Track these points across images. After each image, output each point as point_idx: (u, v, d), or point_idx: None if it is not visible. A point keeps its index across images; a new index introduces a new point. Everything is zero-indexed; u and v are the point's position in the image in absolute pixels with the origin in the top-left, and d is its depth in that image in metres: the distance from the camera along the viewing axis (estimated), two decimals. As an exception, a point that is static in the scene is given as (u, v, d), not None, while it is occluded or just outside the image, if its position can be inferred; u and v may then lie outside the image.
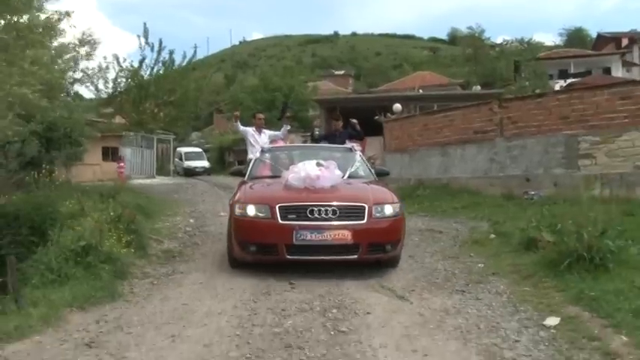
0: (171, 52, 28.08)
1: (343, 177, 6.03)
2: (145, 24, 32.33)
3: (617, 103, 10.02)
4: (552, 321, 3.42)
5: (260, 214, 5.38)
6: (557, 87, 30.60)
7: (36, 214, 7.04)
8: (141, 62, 27.63)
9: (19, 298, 3.69)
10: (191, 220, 9.71)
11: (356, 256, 5.26)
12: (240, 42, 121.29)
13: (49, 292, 4.10)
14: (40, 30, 6.26)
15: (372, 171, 6.96)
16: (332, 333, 3.43)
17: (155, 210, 10.61)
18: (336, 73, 68.29)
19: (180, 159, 31.47)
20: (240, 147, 29.19)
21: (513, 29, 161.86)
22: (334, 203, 5.31)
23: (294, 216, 5.26)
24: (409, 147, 14.87)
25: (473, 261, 5.68)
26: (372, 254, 5.37)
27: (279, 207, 5.28)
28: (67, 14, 7.16)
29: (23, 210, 7.16)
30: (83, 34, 10.07)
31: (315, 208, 5.24)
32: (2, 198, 8.80)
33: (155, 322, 3.67)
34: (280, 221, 5.24)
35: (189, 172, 29.47)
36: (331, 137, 9.76)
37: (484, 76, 51.79)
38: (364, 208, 5.32)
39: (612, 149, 9.85)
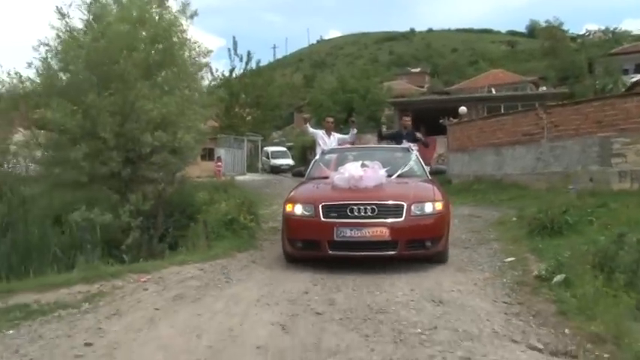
0: (257, 62, 31.62)
1: (391, 176, 6.34)
2: (234, 37, 36.39)
3: None
4: (510, 259, 5.75)
5: (306, 213, 5.70)
6: (632, 82, 30.62)
7: (182, 202, 10.02)
8: (231, 72, 31.47)
9: (209, 242, 6.60)
10: (284, 208, 12.28)
11: (394, 252, 5.44)
12: (318, 41, 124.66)
13: (215, 244, 6.96)
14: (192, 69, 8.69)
15: (426, 170, 7.21)
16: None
17: (256, 201, 13.38)
18: (412, 70, 68.67)
19: (267, 157, 34.54)
20: (320, 146, 32.03)
21: (601, 16, 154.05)
22: (373, 202, 5.55)
23: (335, 214, 5.54)
24: (468, 147, 16.76)
25: (488, 234, 7.89)
26: (411, 250, 5.54)
27: (322, 206, 5.59)
28: (208, 52, 9.46)
29: (174, 201, 10.14)
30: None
31: (355, 207, 5.50)
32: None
33: (275, 259, 6.28)
34: (323, 219, 5.53)
35: (276, 170, 32.25)
36: (398, 136, 10.12)
37: (562, 70, 50.43)
38: (402, 206, 5.51)
39: None
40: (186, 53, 8.33)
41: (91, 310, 3.85)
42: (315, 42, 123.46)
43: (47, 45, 7.01)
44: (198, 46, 8.37)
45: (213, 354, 3.00)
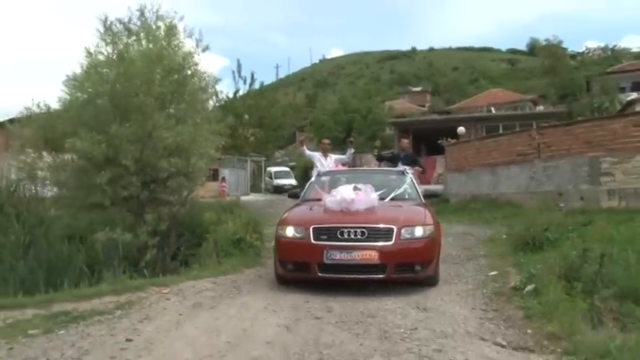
0: (261, 84, 32.57)
1: (384, 199, 6.43)
2: (238, 60, 37.56)
3: (631, 129, 12.00)
4: (493, 273, 6.37)
5: (297, 235, 5.71)
6: (627, 100, 31.23)
7: (192, 223, 10.63)
8: (235, 94, 32.40)
9: (219, 259, 7.26)
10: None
11: (383, 276, 5.43)
12: (320, 60, 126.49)
13: (224, 261, 7.60)
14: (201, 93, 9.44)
15: (420, 193, 7.27)
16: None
17: (260, 220, 14.01)
18: (414, 89, 69.66)
19: (271, 177, 35.28)
20: (322, 167, 32.69)
21: (601, 33, 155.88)
22: (363, 225, 5.55)
23: (325, 237, 5.54)
24: (465, 167, 17.33)
25: (478, 251, 8.50)
26: (400, 274, 5.53)
27: (313, 228, 5.60)
28: (217, 80, 10.10)
29: (184, 221, 10.73)
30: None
31: (345, 230, 5.50)
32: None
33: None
34: (313, 241, 5.53)
35: (279, 189, 32.85)
36: (395, 159, 10.20)
37: (562, 87, 51.17)
38: (392, 229, 5.51)
39: (628, 168, 11.61)
40: (197, 83, 9.06)
41: (124, 315, 4.50)
42: (317, 61, 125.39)
43: (75, 80, 7.77)
44: (208, 76, 9.13)
45: (232, 347, 3.65)
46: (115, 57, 7.82)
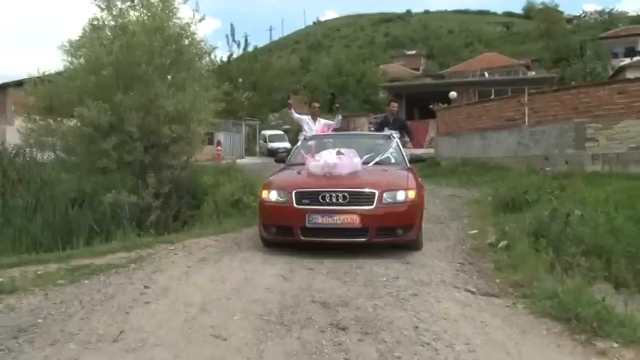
0: (255, 48, 32.58)
1: (368, 164, 6.51)
2: (231, 24, 37.52)
3: (615, 96, 12.43)
4: (473, 231, 6.94)
5: (280, 199, 5.79)
6: (619, 66, 31.52)
7: (191, 185, 11.10)
8: (229, 58, 32.44)
9: (218, 219, 7.78)
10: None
11: (365, 239, 5.54)
12: (314, 22, 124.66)
13: (224, 221, 8.12)
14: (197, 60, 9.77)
15: (406, 157, 7.22)
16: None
17: (256, 182, 14.50)
18: (408, 53, 69.35)
19: (265, 141, 35.52)
20: (316, 130, 32.96)
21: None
22: (345, 189, 5.61)
23: (307, 201, 5.61)
24: (456, 131, 17.83)
25: (463, 211, 9.01)
26: (382, 238, 5.62)
27: (295, 192, 5.67)
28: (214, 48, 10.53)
29: (183, 184, 11.18)
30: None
31: (327, 194, 5.55)
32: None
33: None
34: (295, 205, 5.60)
35: (273, 153, 33.07)
36: (385, 123, 10.18)
37: (557, 52, 51.11)
38: (374, 194, 5.57)
39: (611, 134, 12.16)
40: (194, 52, 9.41)
41: (138, 268, 5.04)
42: (311, 23, 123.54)
43: (75, 48, 8.13)
44: (204, 44, 9.48)
45: (236, 292, 4.20)
46: (118, 29, 8.12)
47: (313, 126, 9.44)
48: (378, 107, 33.42)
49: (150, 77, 7.82)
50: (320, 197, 5.61)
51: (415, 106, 30.49)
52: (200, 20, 8.91)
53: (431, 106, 20.93)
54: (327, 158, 6.08)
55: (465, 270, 5.12)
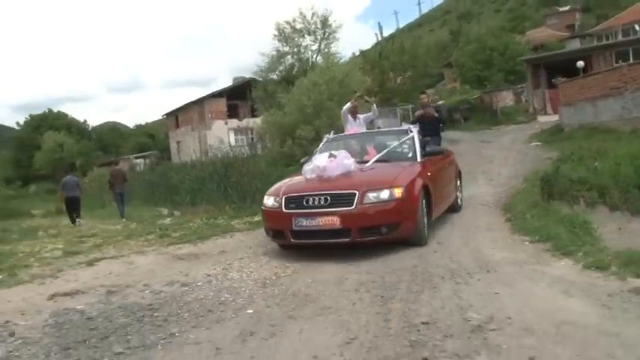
0: (401, 43, 36.27)
1: (387, 162, 6.65)
2: (379, 23, 42.04)
3: None
4: (524, 185, 11.50)
5: (275, 204, 6.02)
6: None
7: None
8: (380, 53, 36.39)
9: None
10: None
11: (348, 240, 5.58)
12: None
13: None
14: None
15: (419, 151, 7.08)
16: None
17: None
18: (561, 10, 66.39)
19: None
20: (464, 106, 34.72)
21: None
22: (326, 192, 5.70)
23: (294, 205, 5.79)
24: (573, 101, 20.45)
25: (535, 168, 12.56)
26: (366, 237, 5.61)
27: (285, 198, 5.90)
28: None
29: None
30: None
31: (310, 197, 5.72)
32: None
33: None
34: (284, 210, 5.82)
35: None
36: (420, 123, 9.13)
37: None
38: (354, 194, 5.59)
39: None
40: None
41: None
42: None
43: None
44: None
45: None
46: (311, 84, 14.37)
47: (353, 123, 9.57)
48: (522, 78, 35.34)
49: (331, 106, 13.80)
50: (304, 201, 5.84)
51: (555, 75, 32.30)
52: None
53: (553, 80, 23.67)
54: (317, 161, 6.35)
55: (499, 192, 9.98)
